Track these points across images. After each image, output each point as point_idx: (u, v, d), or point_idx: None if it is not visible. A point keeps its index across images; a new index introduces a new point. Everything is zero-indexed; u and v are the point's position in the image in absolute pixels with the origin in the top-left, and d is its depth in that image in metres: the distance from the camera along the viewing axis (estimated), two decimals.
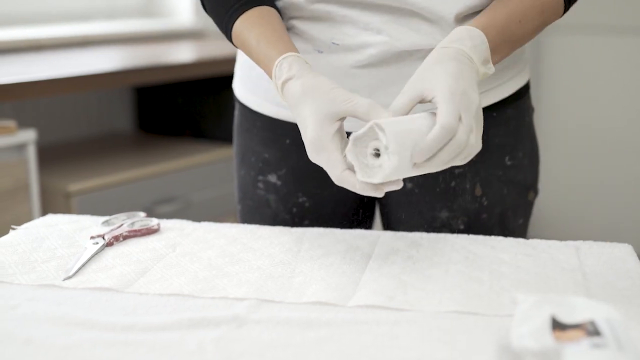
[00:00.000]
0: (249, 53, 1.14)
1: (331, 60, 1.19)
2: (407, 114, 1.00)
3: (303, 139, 1.02)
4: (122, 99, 3.04)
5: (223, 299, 0.95)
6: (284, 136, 1.29)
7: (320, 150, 1.00)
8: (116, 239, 1.15)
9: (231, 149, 1.44)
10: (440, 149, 0.94)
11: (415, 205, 1.27)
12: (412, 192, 1.26)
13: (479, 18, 1.09)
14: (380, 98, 1.19)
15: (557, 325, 0.78)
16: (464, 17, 1.16)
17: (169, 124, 2.97)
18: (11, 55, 2.57)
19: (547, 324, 0.78)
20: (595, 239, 1.15)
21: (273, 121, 1.30)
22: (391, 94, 1.19)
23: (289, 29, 1.22)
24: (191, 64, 2.61)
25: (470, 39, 1.04)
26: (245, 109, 1.34)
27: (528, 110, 1.30)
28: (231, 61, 1.47)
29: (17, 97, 2.15)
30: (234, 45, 1.18)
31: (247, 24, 1.13)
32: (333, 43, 1.18)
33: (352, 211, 1.35)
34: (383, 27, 1.16)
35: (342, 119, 1.01)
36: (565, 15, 1.17)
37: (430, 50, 1.10)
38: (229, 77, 1.52)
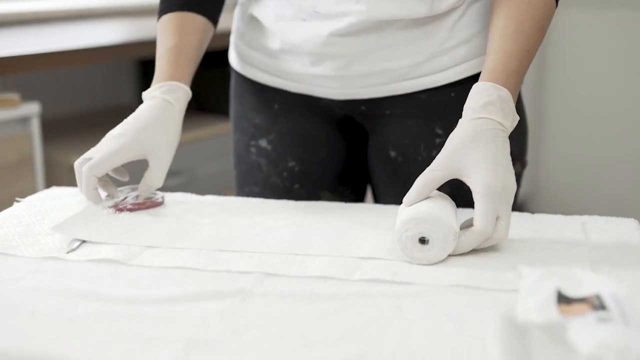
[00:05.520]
0: (157, 52, 1.29)
1: (313, 27, 1.21)
2: (436, 188, 1.02)
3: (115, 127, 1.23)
4: (126, 71, 3.03)
5: (227, 272, 0.95)
6: (273, 101, 1.33)
7: (110, 158, 1.20)
8: (120, 211, 1.14)
9: None
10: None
11: (399, 174, 1.29)
12: (396, 160, 1.28)
13: (497, 67, 1.06)
14: (359, 66, 1.22)
15: (563, 299, 0.77)
16: None
17: None
18: (15, 28, 2.56)
19: (553, 298, 0.78)
20: (601, 213, 1.15)
21: (262, 87, 1.34)
22: (370, 62, 1.21)
23: None
24: None
25: (500, 102, 1.03)
26: (238, 76, 1.38)
27: None
28: None
29: (20, 70, 2.14)
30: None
31: (165, 28, 1.27)
32: (315, 11, 1.20)
33: (341, 177, 1.38)
34: None
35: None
36: None
37: (409, 20, 1.08)
38: None
